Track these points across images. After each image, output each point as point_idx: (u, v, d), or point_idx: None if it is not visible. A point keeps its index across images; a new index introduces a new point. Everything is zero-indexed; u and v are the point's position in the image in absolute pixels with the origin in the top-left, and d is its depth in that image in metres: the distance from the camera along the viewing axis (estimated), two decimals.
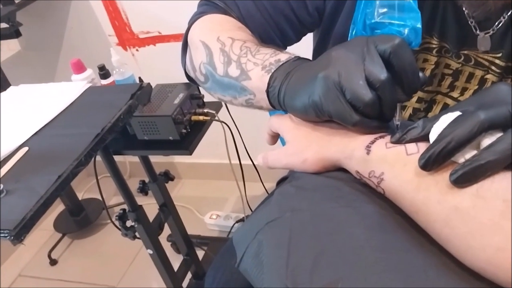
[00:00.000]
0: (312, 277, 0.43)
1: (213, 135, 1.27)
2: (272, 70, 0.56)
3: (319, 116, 0.49)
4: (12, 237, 0.70)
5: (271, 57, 0.58)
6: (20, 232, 0.71)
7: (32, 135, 0.93)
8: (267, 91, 0.56)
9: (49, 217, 2.05)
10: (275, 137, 0.63)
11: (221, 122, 1.21)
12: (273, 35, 0.74)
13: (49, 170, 0.81)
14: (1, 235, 0.71)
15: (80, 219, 1.97)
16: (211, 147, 1.42)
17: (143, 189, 1.39)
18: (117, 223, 1.29)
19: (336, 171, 0.52)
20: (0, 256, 1.94)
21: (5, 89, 1.23)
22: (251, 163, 1.33)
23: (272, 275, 0.47)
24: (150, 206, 1.37)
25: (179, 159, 2.07)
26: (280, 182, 1.07)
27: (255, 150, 1.38)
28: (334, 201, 0.48)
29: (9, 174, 0.85)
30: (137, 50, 1.83)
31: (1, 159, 0.88)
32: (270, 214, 0.52)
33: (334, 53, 0.47)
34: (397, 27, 0.53)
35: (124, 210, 1.28)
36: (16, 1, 1.59)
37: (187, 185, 2.07)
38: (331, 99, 0.46)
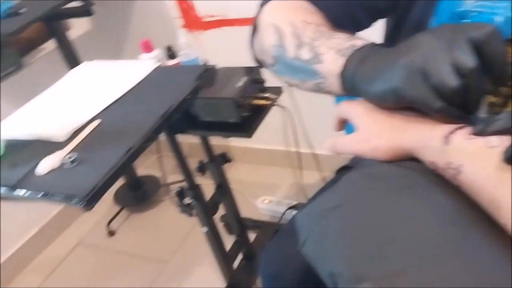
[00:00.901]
0: (377, 265, 0.43)
1: (272, 120, 1.28)
2: (347, 54, 0.55)
3: (397, 103, 0.48)
4: (83, 204, 0.74)
5: (346, 42, 0.58)
6: (91, 200, 0.75)
7: (104, 109, 0.98)
8: (340, 75, 0.56)
9: (109, 190, 2.13)
10: (343, 123, 0.63)
11: (282, 107, 1.21)
12: (345, 20, 0.72)
13: (120, 143, 0.85)
14: (73, 201, 0.76)
15: (138, 194, 2.05)
16: (268, 132, 1.43)
17: (201, 169, 1.43)
18: (175, 200, 1.34)
19: (408, 161, 0.51)
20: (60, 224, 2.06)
21: (76, 65, 1.29)
22: (305, 151, 1.33)
23: (336, 260, 0.47)
24: (206, 186, 1.40)
25: (234, 143, 2.09)
26: (340, 170, 1.06)
27: (313, 137, 1.38)
28: (404, 190, 0.48)
29: (82, 144, 0.89)
30: (200, 33, 1.86)
31: (74, 130, 0.93)
32: (336, 199, 0.52)
33: (419, 39, 0.46)
34: (488, 15, 0.51)
35: (182, 187, 1.32)
36: None
37: (240, 169, 2.09)
38: (414, 84, 0.45)
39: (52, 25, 1.69)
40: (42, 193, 0.79)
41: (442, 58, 0.43)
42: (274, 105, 1.21)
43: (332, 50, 0.58)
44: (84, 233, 2.03)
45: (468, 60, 0.43)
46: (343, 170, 1.06)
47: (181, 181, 1.35)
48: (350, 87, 0.55)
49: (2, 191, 0.86)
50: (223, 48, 1.80)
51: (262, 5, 0.75)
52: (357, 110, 0.56)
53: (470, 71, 0.43)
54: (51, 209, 2.01)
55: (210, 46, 1.86)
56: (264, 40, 0.71)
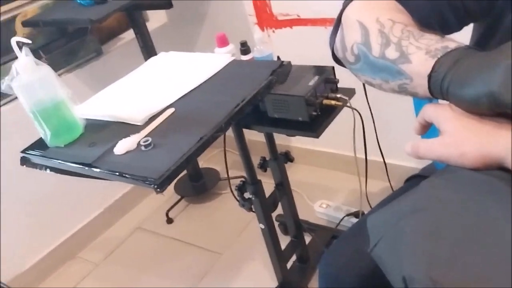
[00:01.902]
0: (457, 272, 0.41)
1: (340, 123, 1.26)
2: (438, 56, 0.53)
3: (492, 108, 0.45)
4: (156, 186, 0.77)
5: (437, 43, 0.56)
6: (163, 182, 0.77)
7: (179, 98, 1.01)
8: (429, 77, 0.54)
9: None
10: (426, 127, 0.61)
11: (353, 109, 1.19)
12: (433, 21, 0.70)
13: (193, 131, 0.87)
14: (147, 182, 0.78)
15: (199, 185, 2.10)
16: (335, 135, 1.41)
17: (263, 165, 1.43)
18: (235, 193, 1.35)
19: (497, 170, 0.48)
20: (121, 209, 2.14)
21: (153, 56, 1.34)
22: (373, 158, 1.30)
23: (413, 264, 0.46)
24: (266, 184, 1.40)
25: (297, 144, 2.09)
26: (409, 180, 1.03)
27: (383, 145, 1.35)
28: (489, 196, 0.45)
29: (157, 130, 0.93)
30: (273, 31, 1.87)
31: (151, 116, 0.97)
32: (416, 203, 0.50)
33: None
34: None
35: (243, 182, 1.33)
36: None
37: (301, 170, 2.08)
38: None
39: (133, 15, 1.76)
40: (118, 172, 0.83)
41: None
42: (345, 106, 1.19)
43: (421, 51, 0.56)
44: (144, 218, 2.10)
45: None
46: (413, 179, 1.03)
47: (241, 177, 1.37)
48: (439, 89, 0.53)
49: (78, 168, 0.91)
50: (294, 46, 1.80)
51: (347, 2, 0.74)
52: (445, 114, 0.54)
53: None
54: (115, 193, 2.10)
55: (282, 44, 1.86)
56: (347, 38, 0.69)
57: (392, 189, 1.37)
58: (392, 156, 1.46)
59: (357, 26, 0.67)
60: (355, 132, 1.25)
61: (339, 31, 0.74)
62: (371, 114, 1.25)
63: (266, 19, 1.86)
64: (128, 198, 2.14)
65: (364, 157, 1.31)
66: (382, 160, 1.34)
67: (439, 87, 0.53)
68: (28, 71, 0.90)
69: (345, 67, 0.73)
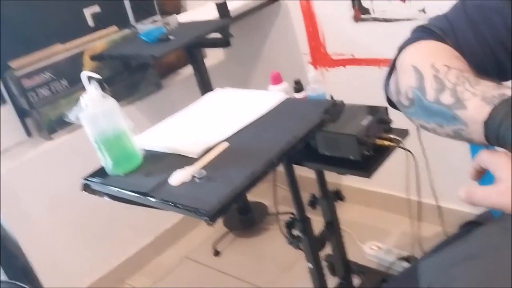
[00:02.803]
0: None
1: (393, 163, 1.24)
2: (495, 103, 0.53)
3: None
4: (208, 218, 0.79)
5: (494, 90, 0.55)
6: (215, 215, 0.80)
7: (233, 133, 1.04)
8: (485, 124, 0.53)
9: None
10: (482, 173, 0.59)
11: (406, 150, 1.17)
12: (489, 67, 0.70)
13: (245, 166, 0.90)
14: (199, 214, 0.81)
15: (247, 219, 2.11)
16: (387, 175, 1.39)
17: (313, 203, 1.43)
18: (283, 229, 1.35)
19: None
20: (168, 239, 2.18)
21: (210, 91, 1.39)
22: (427, 201, 1.26)
23: None
24: (315, 222, 1.40)
25: (347, 182, 2.06)
26: (464, 226, 0.99)
27: (439, 188, 1.31)
28: None
29: (211, 163, 0.96)
30: (327, 69, 1.90)
31: (206, 149, 1.00)
32: (470, 251, 0.49)
33: None
34: None
35: (293, 218, 1.33)
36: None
37: (351, 209, 2.05)
38: None
39: (192, 52, 1.85)
40: (172, 202, 0.86)
41: None
42: (398, 147, 1.18)
43: (477, 97, 0.56)
44: (192, 248, 2.13)
45: None
46: (469, 226, 0.99)
47: (290, 213, 1.37)
48: (495, 137, 0.53)
49: (135, 197, 0.95)
50: (348, 85, 1.81)
51: (402, 46, 0.75)
52: (501, 161, 0.53)
53: None
54: (165, 222, 2.16)
55: (335, 83, 1.88)
56: (402, 81, 0.70)
57: (446, 234, 1.32)
58: (447, 199, 1.41)
59: (412, 71, 0.67)
60: (409, 174, 1.23)
61: (393, 75, 0.75)
62: (425, 156, 1.23)
63: (320, 58, 1.89)
64: (178, 228, 2.18)
65: (417, 199, 1.28)
66: (435, 203, 1.31)
67: (495, 134, 0.52)
68: (95, 103, 0.97)
69: (399, 110, 0.73)
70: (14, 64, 1.79)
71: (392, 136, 1.19)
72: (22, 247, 1.75)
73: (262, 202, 2.20)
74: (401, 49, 0.75)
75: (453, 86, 0.60)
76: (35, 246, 1.78)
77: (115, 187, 0.98)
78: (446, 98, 0.60)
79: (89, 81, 0.96)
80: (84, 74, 0.96)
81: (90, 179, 1.05)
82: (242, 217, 2.12)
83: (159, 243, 2.13)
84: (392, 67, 0.76)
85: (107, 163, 1.01)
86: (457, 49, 0.70)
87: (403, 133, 1.22)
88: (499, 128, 0.51)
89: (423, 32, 0.75)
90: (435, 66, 0.64)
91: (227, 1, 1.75)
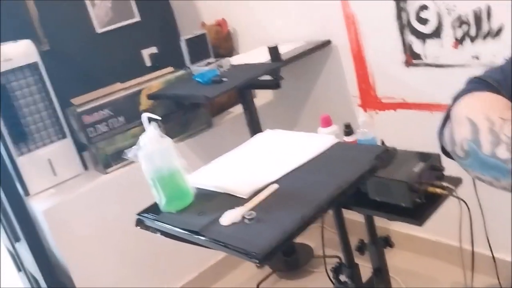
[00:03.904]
0: None
1: (446, 211, 1.21)
2: None
3: None
4: (258, 261, 0.80)
5: None
6: (265, 258, 0.80)
7: (283, 175, 1.05)
8: None
9: None
10: None
11: (460, 199, 1.14)
12: None
13: (295, 209, 0.90)
14: (250, 256, 0.82)
15: (291, 261, 2.09)
16: (439, 222, 1.35)
17: (361, 248, 1.40)
18: (330, 274, 1.33)
19: None
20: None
21: (259, 130, 1.42)
22: (482, 251, 1.21)
23: None
24: (362, 268, 1.36)
25: (396, 227, 2.01)
26: None
27: (494, 238, 1.26)
28: None
29: (260, 204, 0.97)
30: (376, 112, 1.89)
31: (256, 190, 1.02)
32: None
33: None
34: None
35: (340, 263, 1.31)
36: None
37: (400, 255, 1.99)
38: None
39: (243, 93, 1.90)
40: (222, 243, 0.87)
41: None
42: (451, 195, 1.15)
43: None
44: (235, 287, 2.12)
45: None
46: None
47: (336, 256, 1.34)
48: None
49: (187, 235, 0.97)
50: (398, 129, 1.80)
51: (457, 97, 0.75)
52: None
53: None
54: (210, 259, 2.16)
55: (385, 126, 1.87)
56: (457, 133, 0.70)
57: (500, 285, 1.26)
58: (502, 250, 1.35)
59: (467, 123, 0.67)
60: (461, 222, 1.19)
61: (448, 125, 0.74)
62: (480, 206, 1.19)
63: (370, 101, 1.89)
64: (221, 266, 2.19)
65: (470, 248, 1.23)
66: (489, 253, 1.25)
67: None
68: (153, 143, 1.01)
69: (453, 159, 0.73)
70: (75, 101, 1.91)
71: (444, 184, 1.17)
72: (72, 277, 1.81)
73: (307, 244, 2.17)
74: (455, 99, 0.74)
75: (508, 140, 0.60)
76: (85, 276, 1.83)
77: (168, 224, 1.01)
78: (502, 153, 0.60)
79: (149, 122, 1.01)
80: (145, 116, 1.01)
81: (143, 215, 1.08)
82: (287, 258, 2.10)
83: (204, 280, 2.14)
84: (447, 116, 0.75)
85: (161, 200, 1.04)
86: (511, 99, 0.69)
87: (456, 181, 1.19)
88: None
89: (478, 84, 0.74)
90: (491, 119, 0.64)
91: (278, 45, 1.80)
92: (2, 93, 1.76)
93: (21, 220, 1.83)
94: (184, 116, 2.07)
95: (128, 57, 2.41)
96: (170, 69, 2.10)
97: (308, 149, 1.14)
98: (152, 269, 2.00)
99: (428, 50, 1.63)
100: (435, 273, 1.86)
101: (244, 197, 1.00)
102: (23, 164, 1.84)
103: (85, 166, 2.02)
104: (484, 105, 0.69)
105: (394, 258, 1.95)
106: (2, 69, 1.76)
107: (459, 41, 1.54)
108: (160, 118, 1.01)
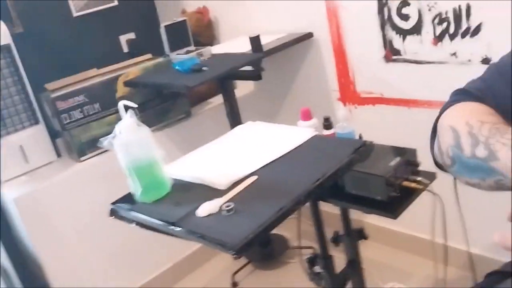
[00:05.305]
0: None
1: (419, 205, 1.22)
2: None
3: None
4: (235, 252, 0.79)
5: None
6: (241, 249, 0.80)
7: (262, 167, 1.05)
8: None
9: None
10: None
11: (434, 193, 1.16)
12: None
13: (273, 201, 0.90)
14: (225, 248, 0.81)
15: (267, 251, 2.10)
16: (413, 217, 1.37)
17: (336, 240, 1.41)
18: (304, 265, 1.34)
19: None
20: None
21: (239, 121, 1.41)
22: (455, 245, 1.24)
23: None
24: (336, 259, 1.38)
25: (371, 220, 2.04)
26: (490, 275, 0.97)
27: (470, 233, 1.29)
28: None
29: (239, 196, 0.96)
30: (355, 107, 1.90)
31: (234, 181, 1.01)
32: None
33: None
34: None
35: (315, 255, 1.32)
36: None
37: (373, 248, 2.01)
38: None
39: (223, 83, 1.88)
40: (199, 234, 0.87)
41: None
42: (425, 190, 1.17)
43: (506, 147, 0.58)
44: (210, 278, 2.12)
45: None
46: (494, 275, 0.97)
47: (311, 247, 1.35)
48: None
49: (163, 226, 0.96)
50: (376, 124, 1.81)
51: (443, 109, 0.78)
52: None
53: None
54: (184, 250, 2.16)
55: (363, 121, 1.89)
56: (442, 142, 0.72)
57: (474, 279, 1.29)
58: (474, 245, 1.38)
59: (449, 130, 0.70)
60: (435, 216, 1.21)
61: (436, 138, 0.77)
62: (457, 200, 1.21)
63: (349, 96, 1.90)
64: (196, 257, 2.18)
65: (443, 242, 1.25)
66: (461, 247, 1.27)
67: None
68: (129, 131, 0.99)
69: (447, 172, 0.74)
70: (49, 86, 1.86)
71: (419, 178, 1.18)
72: (44, 267, 1.78)
73: (282, 235, 2.18)
74: (441, 112, 0.77)
75: (485, 139, 0.62)
76: (58, 266, 1.80)
77: (143, 214, 0.99)
78: (481, 152, 0.62)
79: (126, 109, 0.99)
80: (121, 103, 0.99)
81: (118, 205, 1.06)
82: (262, 249, 2.11)
83: (178, 270, 2.13)
84: (434, 130, 0.78)
85: (137, 190, 1.02)
86: (496, 108, 0.72)
87: (431, 176, 1.21)
88: None
89: (461, 95, 0.78)
90: (470, 123, 0.67)
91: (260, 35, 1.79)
92: None
93: None
94: (162, 104, 2.04)
95: (105, 42, 2.35)
96: (148, 56, 2.06)
97: (287, 141, 1.13)
98: (127, 260, 1.98)
99: (408, 46, 1.64)
100: (407, 266, 1.89)
101: (222, 188, 0.99)
102: None
103: (58, 154, 1.97)
104: (464, 113, 0.72)
105: (368, 250, 1.97)
106: None
107: (438, 38, 1.56)
108: (137, 106, 0.98)
